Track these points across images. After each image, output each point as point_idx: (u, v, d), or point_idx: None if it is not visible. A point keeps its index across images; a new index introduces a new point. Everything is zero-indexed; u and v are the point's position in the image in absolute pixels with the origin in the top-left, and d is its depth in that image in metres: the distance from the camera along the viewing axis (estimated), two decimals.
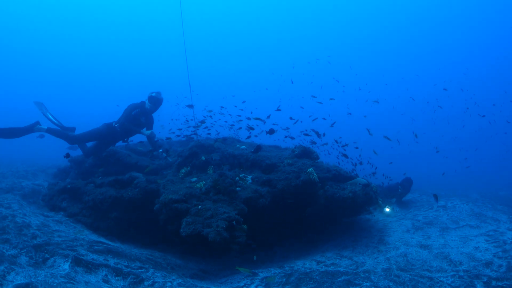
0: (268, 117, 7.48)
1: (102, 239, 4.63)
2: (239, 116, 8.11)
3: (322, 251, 4.62)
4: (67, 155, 5.72)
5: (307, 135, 7.15)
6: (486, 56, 38.62)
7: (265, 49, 46.24)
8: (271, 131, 5.91)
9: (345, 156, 7.39)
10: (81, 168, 6.64)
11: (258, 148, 5.48)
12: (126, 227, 4.91)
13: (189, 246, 4.96)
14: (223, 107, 8.93)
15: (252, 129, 6.69)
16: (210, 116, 8.14)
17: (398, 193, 7.01)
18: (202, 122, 7.34)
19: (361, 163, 7.44)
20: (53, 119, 6.62)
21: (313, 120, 8.91)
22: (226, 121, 8.43)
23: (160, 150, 6.41)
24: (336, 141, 8.01)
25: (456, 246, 4.34)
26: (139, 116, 6.26)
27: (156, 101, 6.31)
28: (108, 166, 6.33)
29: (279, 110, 8.84)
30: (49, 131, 6.20)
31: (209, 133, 7.93)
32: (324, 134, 7.10)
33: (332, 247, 4.68)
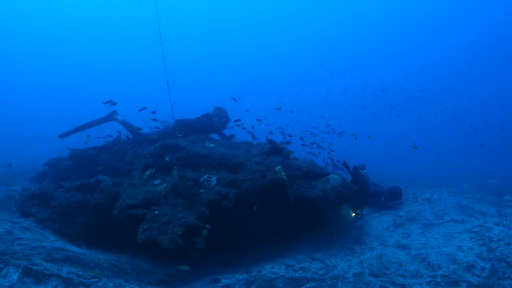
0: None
1: (67, 246, 4.48)
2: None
3: (294, 253, 4.32)
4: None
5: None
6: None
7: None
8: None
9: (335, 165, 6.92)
10: (56, 172, 6.51)
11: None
12: (94, 232, 4.74)
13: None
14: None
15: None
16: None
17: (381, 202, 6.29)
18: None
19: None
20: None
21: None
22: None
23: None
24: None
25: (437, 246, 3.98)
26: None
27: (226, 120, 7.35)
28: (82, 168, 6.16)
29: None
30: (123, 123, 7.31)
31: None
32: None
33: (306, 248, 4.37)
